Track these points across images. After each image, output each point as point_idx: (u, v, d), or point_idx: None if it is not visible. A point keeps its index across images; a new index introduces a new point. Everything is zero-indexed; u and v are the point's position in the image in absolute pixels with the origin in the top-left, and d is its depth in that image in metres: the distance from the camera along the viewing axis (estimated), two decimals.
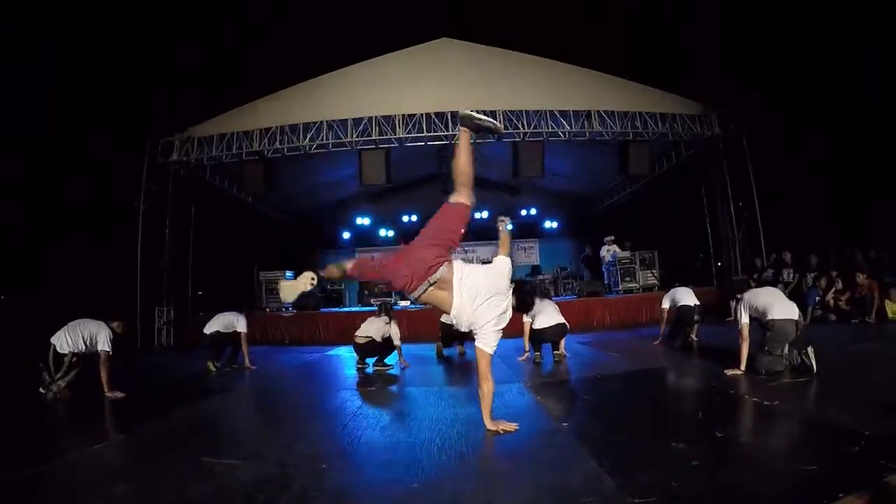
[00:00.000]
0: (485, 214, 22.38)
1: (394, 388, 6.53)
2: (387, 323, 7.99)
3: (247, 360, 8.51)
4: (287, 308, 14.26)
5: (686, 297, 8.77)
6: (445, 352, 9.12)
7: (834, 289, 10.89)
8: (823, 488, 2.52)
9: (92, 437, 4.37)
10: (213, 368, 8.22)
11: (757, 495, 2.54)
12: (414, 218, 22.60)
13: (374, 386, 6.67)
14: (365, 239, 23.20)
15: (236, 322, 8.53)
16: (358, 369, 7.87)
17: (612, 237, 15.51)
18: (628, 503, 2.61)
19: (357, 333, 7.92)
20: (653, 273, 14.54)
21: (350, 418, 4.95)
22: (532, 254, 22.76)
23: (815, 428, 3.63)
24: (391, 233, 23.12)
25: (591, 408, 4.97)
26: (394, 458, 3.59)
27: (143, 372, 8.88)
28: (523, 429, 4.17)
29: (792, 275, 12.23)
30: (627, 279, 14.30)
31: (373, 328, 7.89)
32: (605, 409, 4.82)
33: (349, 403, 5.82)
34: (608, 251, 15.33)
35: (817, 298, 11.11)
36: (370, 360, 7.97)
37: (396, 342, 7.97)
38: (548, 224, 22.98)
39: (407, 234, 22.87)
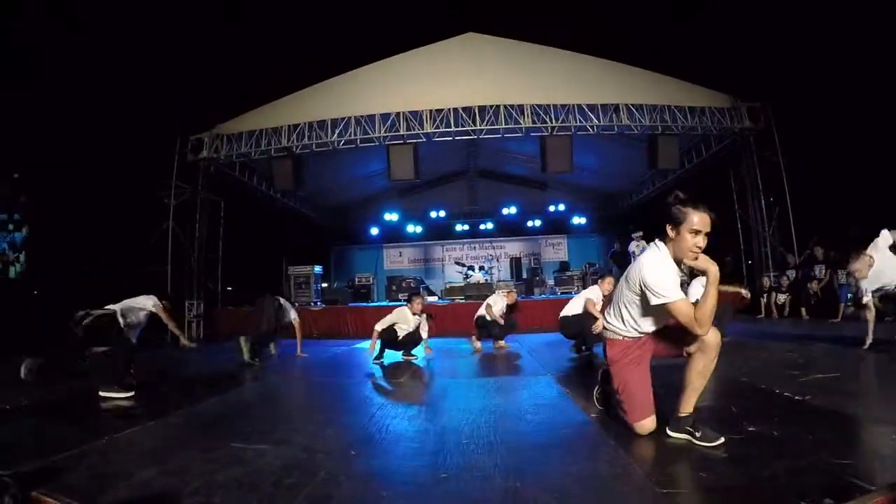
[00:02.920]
0: (513, 210, 22.38)
1: (422, 379, 6.54)
2: (421, 317, 8.11)
3: (299, 350, 8.84)
4: (316, 303, 14.39)
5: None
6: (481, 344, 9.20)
7: None
8: (856, 481, 2.50)
9: (124, 422, 4.44)
10: (255, 361, 8.29)
11: (787, 488, 2.49)
12: (442, 213, 22.65)
13: (401, 378, 6.69)
14: (393, 235, 23.31)
15: (289, 312, 8.82)
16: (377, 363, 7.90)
17: (641, 232, 15.34)
18: (657, 493, 2.58)
19: (392, 325, 7.97)
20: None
21: (378, 408, 4.96)
22: (560, 250, 22.68)
23: (848, 422, 3.57)
24: (419, 228, 23.21)
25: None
26: (422, 447, 3.59)
27: (175, 362, 9.00)
28: (551, 420, 4.18)
29: (823, 271, 12.05)
30: None
31: (412, 321, 8.01)
32: None
33: (377, 394, 5.88)
34: (637, 246, 15.16)
35: (849, 295, 10.93)
36: (393, 353, 8.03)
37: (424, 335, 8.04)
38: (576, 220, 22.87)
39: (435, 230, 23.06)
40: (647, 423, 3.49)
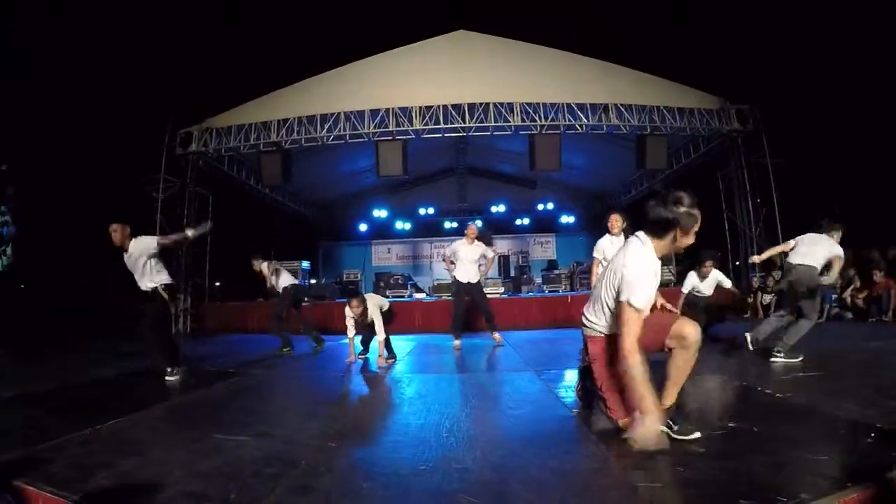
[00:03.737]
0: (502, 208, 22.44)
1: (406, 374, 6.53)
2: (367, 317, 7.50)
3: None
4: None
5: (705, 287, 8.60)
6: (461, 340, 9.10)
7: (851, 287, 10.81)
8: (832, 478, 2.53)
9: (107, 413, 4.43)
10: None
11: (765, 483, 2.52)
12: (431, 210, 22.70)
13: (386, 372, 6.69)
14: (382, 231, 23.35)
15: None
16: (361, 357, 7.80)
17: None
18: (633, 487, 2.61)
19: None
20: (669, 269, 14.49)
21: (361, 401, 5.01)
22: (548, 248, 22.77)
23: (828, 420, 3.60)
24: (408, 225, 23.26)
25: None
26: (402, 440, 3.61)
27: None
28: (533, 415, 4.21)
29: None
30: None
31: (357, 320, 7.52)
32: None
33: (361, 388, 5.92)
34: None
35: (834, 296, 11.05)
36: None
37: (380, 333, 7.54)
38: (564, 219, 22.99)
39: (424, 227, 23.09)
40: None
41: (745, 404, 4.41)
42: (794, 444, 3.06)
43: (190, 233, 6.75)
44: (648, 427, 2.97)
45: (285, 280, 9.31)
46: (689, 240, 3.27)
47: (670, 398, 3.50)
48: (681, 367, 3.42)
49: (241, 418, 4.28)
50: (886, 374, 5.13)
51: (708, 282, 8.40)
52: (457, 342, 8.84)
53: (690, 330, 3.31)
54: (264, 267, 9.33)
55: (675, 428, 3.33)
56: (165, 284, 6.31)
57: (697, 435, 3.27)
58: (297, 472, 2.93)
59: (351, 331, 7.40)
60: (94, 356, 8.53)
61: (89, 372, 6.37)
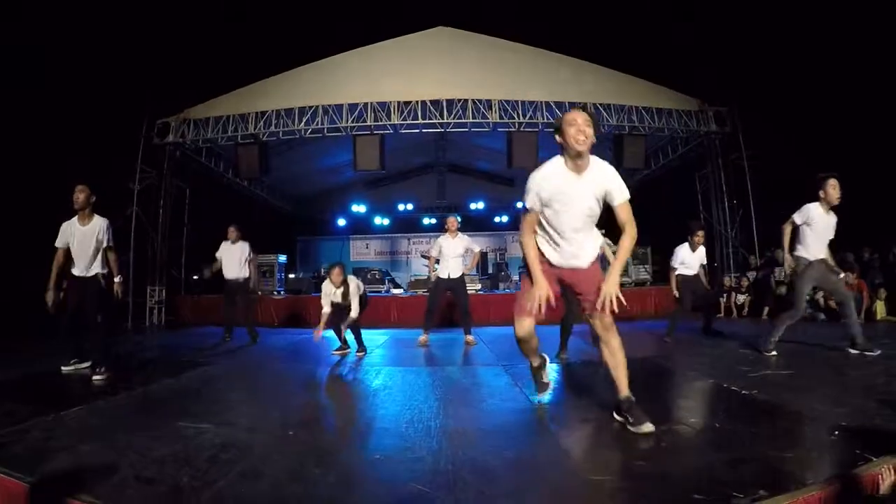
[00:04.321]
0: (481, 205, 22.46)
1: (375, 367, 6.54)
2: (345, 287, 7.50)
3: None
4: (279, 291, 14.37)
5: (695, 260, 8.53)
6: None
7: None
8: (793, 475, 2.52)
9: (72, 400, 4.45)
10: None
11: (723, 478, 2.51)
12: (410, 206, 22.67)
13: (354, 365, 6.70)
14: (360, 226, 23.28)
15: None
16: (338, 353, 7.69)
17: (602, 231, 15.45)
18: (585, 479, 2.65)
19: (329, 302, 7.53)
20: (645, 268, 14.62)
21: (326, 393, 5.05)
22: None
23: (793, 417, 3.62)
24: (386, 221, 23.21)
25: (568, 391, 5.01)
26: (361, 429, 3.66)
27: (136, 346, 9.08)
28: (495, 407, 4.24)
29: (784, 273, 12.25)
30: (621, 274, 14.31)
31: (337, 293, 7.45)
32: (581, 393, 4.81)
33: (328, 380, 5.93)
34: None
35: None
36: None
37: (354, 310, 7.40)
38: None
39: (402, 222, 23.05)
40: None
41: (709, 401, 4.45)
42: (755, 441, 3.07)
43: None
44: (536, 290, 3.50)
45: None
46: (570, 132, 3.40)
47: (623, 386, 3.61)
48: (612, 351, 3.66)
49: (205, 407, 4.29)
50: (855, 374, 5.19)
51: (697, 256, 8.40)
52: (424, 337, 8.73)
53: (609, 322, 3.63)
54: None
55: (631, 420, 3.43)
56: (103, 274, 6.16)
57: (651, 427, 3.33)
58: (251, 459, 2.97)
59: (325, 314, 7.36)
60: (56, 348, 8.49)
61: (53, 362, 6.29)
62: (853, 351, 6.15)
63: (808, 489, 2.36)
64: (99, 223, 6.13)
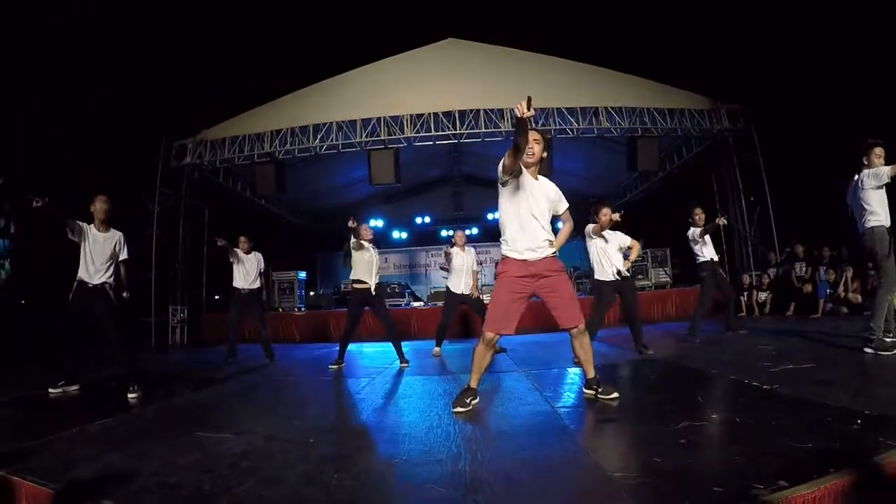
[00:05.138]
0: (498, 215, 22.41)
1: (395, 376, 6.57)
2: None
3: None
4: (300, 308, 14.45)
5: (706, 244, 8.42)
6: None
7: (844, 280, 10.80)
8: (814, 464, 2.47)
9: (96, 413, 4.55)
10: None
11: (742, 470, 2.49)
12: (427, 219, 22.71)
13: (373, 375, 6.72)
14: (379, 241, 23.28)
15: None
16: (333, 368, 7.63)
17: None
18: (605, 477, 2.63)
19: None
20: (665, 270, 14.53)
21: (346, 402, 5.07)
22: None
23: (814, 409, 3.55)
24: (405, 234, 23.26)
25: (586, 394, 5.00)
26: (380, 436, 3.67)
27: (158, 363, 9.25)
28: (514, 411, 4.25)
29: (804, 268, 12.15)
30: (640, 277, 14.29)
31: (369, 247, 8.01)
32: None
33: (347, 390, 5.92)
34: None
35: (828, 291, 11.06)
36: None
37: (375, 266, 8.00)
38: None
39: (420, 236, 23.08)
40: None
41: (729, 396, 4.42)
42: (776, 433, 3.03)
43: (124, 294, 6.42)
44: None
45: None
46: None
47: (590, 370, 4.47)
48: (581, 346, 4.41)
49: (226, 418, 4.37)
50: (877, 364, 5.15)
51: (706, 238, 8.30)
52: (437, 349, 8.81)
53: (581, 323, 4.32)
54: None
55: (600, 390, 4.36)
56: (111, 285, 6.13)
57: (616, 394, 4.28)
58: (271, 465, 3.01)
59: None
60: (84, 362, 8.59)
61: (83, 376, 6.38)
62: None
63: (828, 478, 2.32)
64: (117, 235, 6.23)
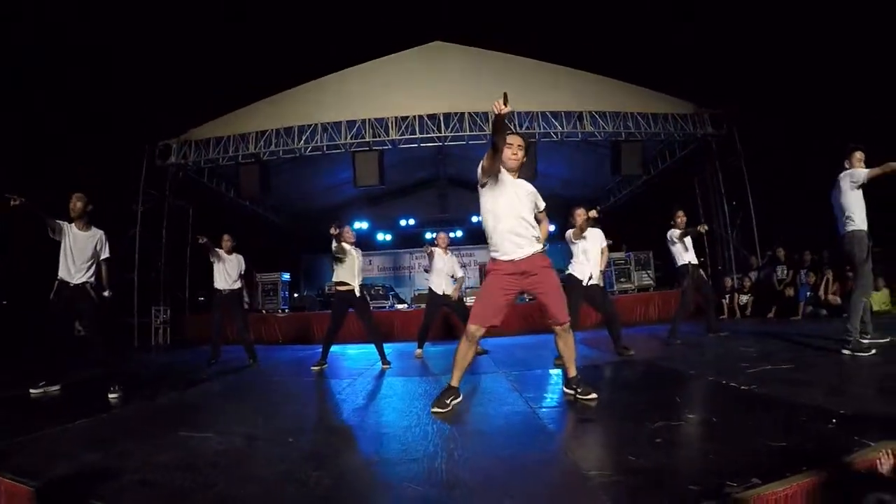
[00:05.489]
0: (480, 218, 22.46)
1: (377, 378, 6.57)
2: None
3: None
4: (283, 309, 14.40)
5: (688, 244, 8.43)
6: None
7: (825, 283, 10.95)
8: (788, 463, 2.50)
9: (80, 413, 4.55)
10: None
11: (716, 468, 2.53)
12: (412, 222, 22.68)
13: (358, 377, 6.73)
14: (363, 243, 23.24)
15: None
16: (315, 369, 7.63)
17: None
18: (581, 475, 2.65)
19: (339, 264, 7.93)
20: (648, 273, 14.62)
21: (327, 402, 5.08)
22: None
23: (790, 408, 3.60)
24: (389, 236, 23.22)
25: (566, 393, 5.04)
26: (361, 435, 3.70)
27: (140, 364, 9.17)
28: (494, 411, 4.27)
29: (786, 271, 12.28)
30: (623, 280, 14.39)
31: (351, 250, 8.01)
32: None
33: (329, 391, 5.93)
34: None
35: (808, 294, 11.20)
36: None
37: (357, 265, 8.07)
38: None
39: (405, 238, 23.06)
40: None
41: (707, 397, 4.48)
42: (752, 433, 3.08)
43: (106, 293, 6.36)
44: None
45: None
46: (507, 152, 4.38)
47: (571, 369, 4.51)
48: (565, 345, 4.48)
49: (208, 418, 4.37)
50: (853, 365, 5.24)
51: (687, 242, 8.32)
52: (419, 351, 8.85)
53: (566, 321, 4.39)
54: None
55: (579, 390, 4.40)
56: (92, 284, 6.06)
57: (595, 396, 4.32)
58: (252, 463, 3.04)
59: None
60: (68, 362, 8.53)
61: (66, 375, 6.35)
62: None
63: (801, 476, 2.36)
64: (98, 233, 6.17)
